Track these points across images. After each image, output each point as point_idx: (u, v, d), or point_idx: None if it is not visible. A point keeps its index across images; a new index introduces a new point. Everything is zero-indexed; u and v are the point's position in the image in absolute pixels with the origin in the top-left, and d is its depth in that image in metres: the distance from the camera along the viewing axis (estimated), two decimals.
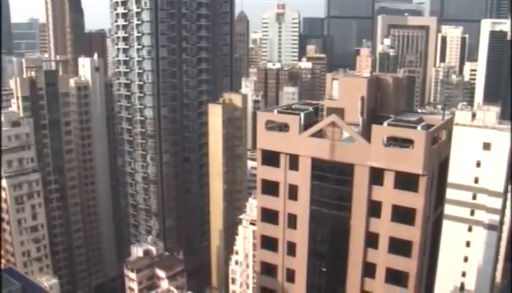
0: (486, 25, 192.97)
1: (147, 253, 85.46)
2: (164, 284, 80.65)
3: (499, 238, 72.43)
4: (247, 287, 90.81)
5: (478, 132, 67.90)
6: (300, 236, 44.78)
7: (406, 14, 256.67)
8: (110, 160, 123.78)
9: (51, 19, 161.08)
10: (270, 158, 44.56)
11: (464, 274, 72.71)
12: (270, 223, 46.13)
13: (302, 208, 43.88)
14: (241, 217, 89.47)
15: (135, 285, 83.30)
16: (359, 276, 42.83)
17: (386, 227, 40.71)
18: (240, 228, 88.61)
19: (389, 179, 39.68)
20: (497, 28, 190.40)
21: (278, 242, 46.30)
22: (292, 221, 44.87)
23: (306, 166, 42.75)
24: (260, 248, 47.95)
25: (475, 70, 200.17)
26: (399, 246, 40.52)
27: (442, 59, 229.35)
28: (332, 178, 42.12)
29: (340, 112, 42.27)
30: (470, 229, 70.90)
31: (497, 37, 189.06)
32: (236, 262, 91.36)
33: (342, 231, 42.34)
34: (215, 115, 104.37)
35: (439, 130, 41.71)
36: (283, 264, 46.67)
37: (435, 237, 45.88)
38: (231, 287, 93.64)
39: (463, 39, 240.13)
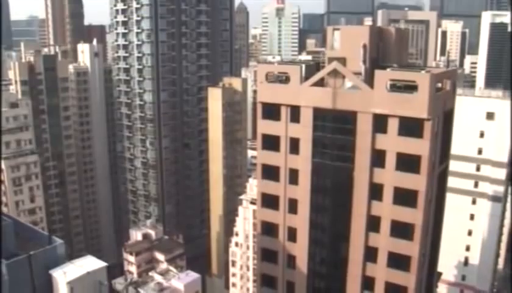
0: (487, 17, 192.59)
1: (146, 236, 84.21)
2: (164, 266, 79.37)
3: (504, 210, 71.13)
4: (248, 270, 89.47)
5: (481, 101, 67.00)
6: (302, 192, 43.71)
7: (406, 9, 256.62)
8: (109, 147, 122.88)
9: (50, 9, 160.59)
10: (271, 111, 43.63)
11: (468, 249, 71.55)
12: (271, 179, 45.06)
13: (303, 161, 42.85)
14: (241, 197, 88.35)
15: (133, 269, 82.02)
16: (363, 230, 41.68)
17: (390, 177, 39.63)
18: (240, 209, 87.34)
19: (393, 125, 38.69)
20: (498, 20, 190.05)
21: (279, 200, 45.22)
22: (293, 176, 43.83)
23: (307, 118, 41.80)
24: (261, 207, 46.87)
25: (475, 63, 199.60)
26: (404, 197, 39.42)
27: (443, 53, 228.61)
28: (334, 128, 41.14)
29: (342, 61, 41.38)
30: (474, 202, 69.75)
31: (497, 29, 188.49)
32: (236, 244, 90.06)
33: (346, 182, 41.26)
34: (215, 99, 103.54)
35: (443, 76, 40.82)
36: (284, 222, 45.59)
37: (440, 192, 44.79)
38: (232, 269, 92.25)
39: (463, 34, 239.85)
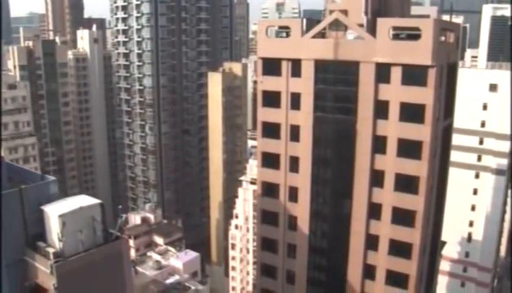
0: (488, 10, 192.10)
1: (144, 220, 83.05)
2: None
3: (508, 183, 69.82)
4: (248, 252, 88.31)
5: (484, 73, 66.03)
6: (304, 148, 42.71)
7: None
8: (108, 133, 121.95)
9: (49, 1, 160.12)
10: (272, 67, 42.76)
11: (471, 224, 70.34)
12: (272, 137, 44.10)
13: (305, 116, 41.87)
14: (241, 178, 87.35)
15: (132, 252, 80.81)
16: (366, 185, 40.57)
17: (394, 128, 38.62)
18: (240, 190, 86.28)
19: (396, 74, 37.79)
20: (499, 13, 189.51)
21: (280, 158, 44.22)
22: (295, 132, 42.88)
23: (309, 71, 40.91)
24: (261, 166, 45.83)
25: (476, 57, 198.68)
26: (409, 148, 38.38)
27: None
28: (336, 79, 40.26)
29: (343, 13, 40.52)
30: (477, 176, 68.60)
31: (498, 22, 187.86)
32: (236, 227, 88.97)
33: (348, 136, 40.24)
34: (215, 83, 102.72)
35: (447, 25, 39.99)
36: (285, 182, 44.55)
37: (445, 150, 43.80)
38: (231, 252, 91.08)
39: (463, 28, 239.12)
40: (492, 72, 66.23)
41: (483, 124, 66.92)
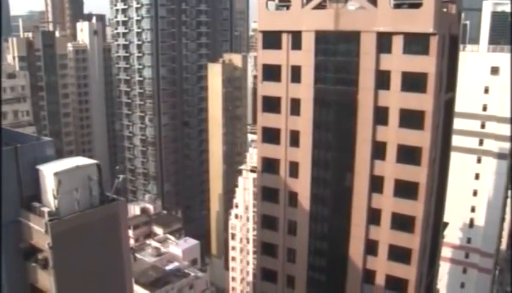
0: (488, 6, 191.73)
1: (144, 210, 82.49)
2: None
3: (510, 168, 69.05)
4: (248, 242, 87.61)
5: (486, 56, 65.55)
6: (304, 122, 42.15)
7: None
8: (108, 126, 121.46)
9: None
10: (272, 40, 42.28)
11: (473, 210, 69.63)
12: (272, 111, 43.56)
13: (305, 88, 41.31)
14: (241, 167, 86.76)
15: (131, 242, 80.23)
16: (368, 158, 39.98)
17: (395, 99, 38.09)
18: (240, 179, 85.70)
19: (397, 43, 37.28)
20: (499, 9, 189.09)
21: (280, 133, 43.67)
22: (295, 106, 42.34)
23: (309, 42, 40.40)
24: (261, 142, 45.30)
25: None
26: (411, 119, 37.84)
27: None
28: (337, 50, 39.72)
29: None
30: (479, 161, 67.91)
31: (498, 18, 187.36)
32: (236, 216, 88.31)
33: (349, 107, 39.69)
34: (215, 74, 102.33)
35: None
36: (286, 157, 43.99)
37: (447, 124, 43.22)
38: (231, 243, 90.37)
39: (464, 26, 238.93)
40: (494, 55, 65.79)
41: (484, 108, 66.36)
